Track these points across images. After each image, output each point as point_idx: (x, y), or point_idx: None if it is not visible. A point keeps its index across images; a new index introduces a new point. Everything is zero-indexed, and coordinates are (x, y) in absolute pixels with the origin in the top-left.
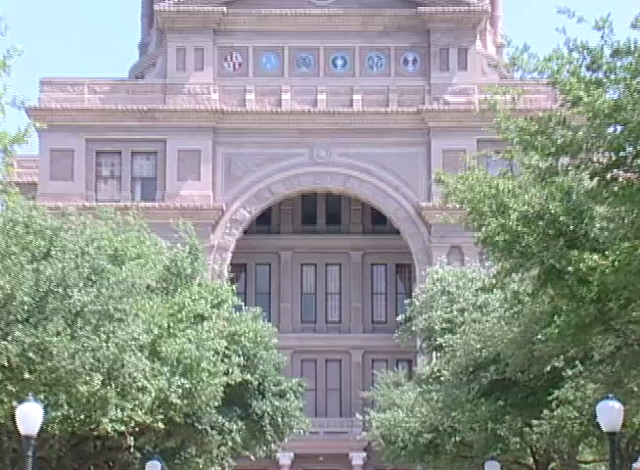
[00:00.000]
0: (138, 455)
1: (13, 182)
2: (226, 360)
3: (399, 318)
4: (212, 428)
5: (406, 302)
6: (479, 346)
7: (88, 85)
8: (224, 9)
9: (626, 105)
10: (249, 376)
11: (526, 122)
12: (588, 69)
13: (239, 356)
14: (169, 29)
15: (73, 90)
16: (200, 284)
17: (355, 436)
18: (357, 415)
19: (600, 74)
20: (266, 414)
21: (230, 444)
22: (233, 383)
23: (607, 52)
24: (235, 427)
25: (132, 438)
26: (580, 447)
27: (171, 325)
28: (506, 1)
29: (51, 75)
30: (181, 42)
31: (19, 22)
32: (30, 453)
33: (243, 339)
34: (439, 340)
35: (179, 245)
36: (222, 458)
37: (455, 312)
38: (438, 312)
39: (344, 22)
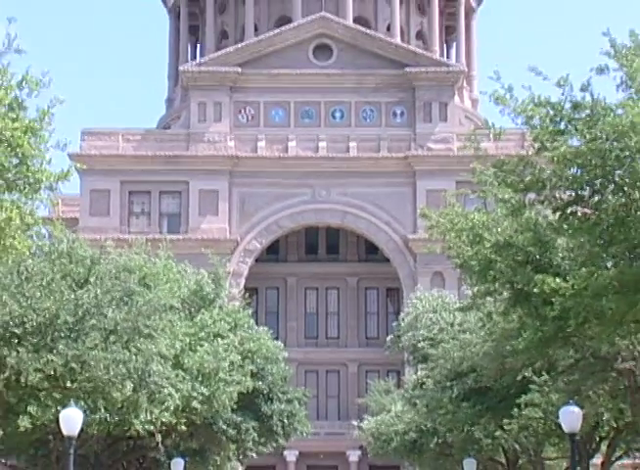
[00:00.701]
0: (164, 454)
1: (58, 217)
2: (240, 370)
3: (389, 336)
4: (228, 429)
5: (394, 324)
6: (457, 358)
7: (122, 135)
8: (239, 69)
9: (584, 151)
10: (260, 383)
11: (501, 163)
12: (551, 120)
13: (251, 368)
14: (192, 87)
15: (110, 139)
16: (220, 307)
17: (351, 436)
18: (353, 419)
19: (562, 125)
20: (274, 415)
21: (243, 440)
22: (246, 390)
23: (567, 106)
24: (247, 425)
25: (159, 438)
26: (545, 446)
27: (192, 342)
28: (480, 62)
29: (91, 126)
30: (202, 98)
31: (61, 76)
32: (72, 452)
33: (255, 355)
34: (427, 350)
35: (202, 271)
36: (238, 455)
37: (437, 330)
38: (422, 331)
39: (342, 80)
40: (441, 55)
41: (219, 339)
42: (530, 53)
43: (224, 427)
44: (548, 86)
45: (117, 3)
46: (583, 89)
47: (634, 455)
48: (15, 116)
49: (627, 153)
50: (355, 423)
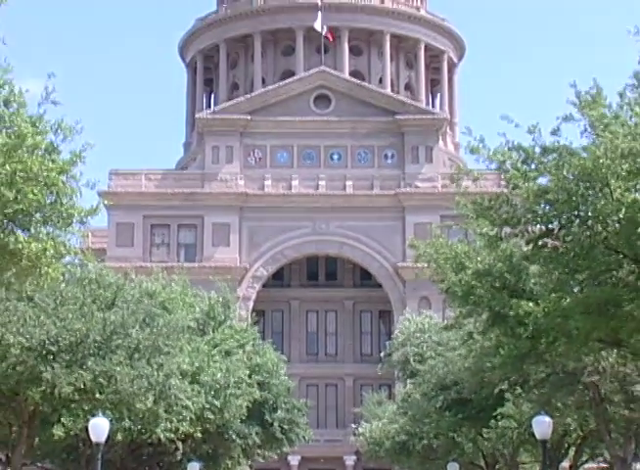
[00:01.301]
0: (182, 458)
1: (88, 248)
2: (248, 382)
3: (382, 354)
4: (237, 436)
5: (387, 342)
6: (442, 373)
7: (145, 174)
8: (248, 117)
9: (552, 190)
10: (266, 392)
11: (480, 200)
12: (523, 162)
13: (257, 378)
14: (206, 132)
15: (134, 178)
16: (230, 327)
17: (348, 442)
18: (350, 426)
19: (533, 166)
20: (277, 422)
21: (250, 444)
22: (253, 400)
23: (537, 149)
24: (254, 430)
25: (178, 444)
26: (520, 451)
27: (206, 359)
28: (462, 110)
29: (118, 166)
30: (215, 142)
31: (92, 120)
32: (100, 457)
33: (261, 369)
34: (415, 366)
35: (213, 292)
36: (247, 458)
37: (424, 348)
38: (411, 349)
39: (339, 126)
40: (427, 104)
41: (229, 355)
42: (506, 101)
43: (234, 435)
44: (520, 132)
45: (143, 58)
46: (552, 134)
47: (598, 460)
48: (50, 158)
49: (591, 191)
50: (351, 430)
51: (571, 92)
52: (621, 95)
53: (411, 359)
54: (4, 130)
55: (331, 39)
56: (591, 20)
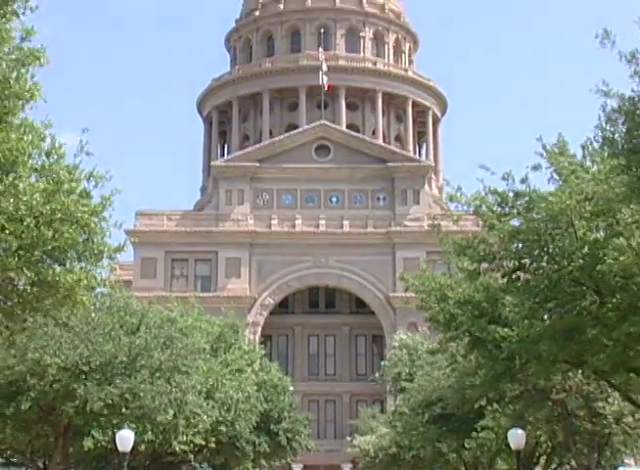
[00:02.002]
0: (197, 466)
1: (116, 280)
2: (255, 396)
3: (376, 373)
4: (247, 444)
5: (383, 363)
6: (428, 390)
7: (166, 215)
8: (257, 164)
9: (524, 230)
10: (272, 404)
11: (460, 240)
12: (498, 205)
13: (263, 393)
14: (221, 178)
15: (157, 218)
16: (239, 348)
17: (345, 452)
18: (347, 438)
19: (506, 209)
20: (282, 432)
21: (260, 451)
22: (260, 414)
23: (510, 194)
24: (260, 440)
25: (193, 455)
26: (497, 460)
27: (219, 378)
28: (445, 158)
29: (143, 208)
30: (228, 186)
31: (120, 167)
32: (125, 465)
33: (268, 386)
34: (404, 384)
35: (221, 317)
36: (255, 466)
37: (412, 368)
38: (401, 368)
39: (337, 173)
40: (414, 153)
41: (239, 373)
42: (483, 149)
43: (244, 443)
44: (495, 179)
45: (166, 113)
46: (523, 181)
47: (565, 467)
48: (84, 202)
49: (557, 231)
50: (348, 441)
51: (538, 145)
52: (584, 147)
53: (403, 376)
54: (45, 177)
55: (328, 89)
56: (560, 78)
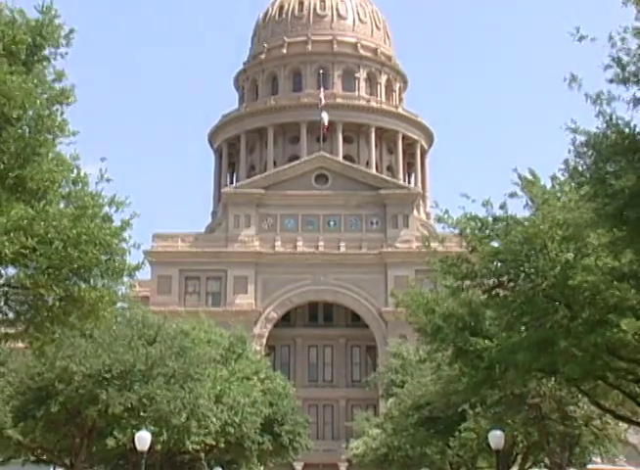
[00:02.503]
0: (208, 465)
1: (135, 296)
2: (261, 401)
3: (370, 377)
4: (253, 444)
5: (379, 370)
6: (417, 395)
7: (180, 237)
8: (262, 191)
9: (502, 251)
10: (275, 408)
11: (445, 259)
12: (479, 229)
13: (269, 399)
14: (229, 203)
15: (172, 240)
16: (247, 358)
17: (342, 452)
18: (343, 440)
19: (486, 232)
20: (284, 434)
21: (264, 450)
22: (265, 417)
23: (490, 219)
24: (265, 440)
25: (204, 453)
26: (478, 459)
27: (227, 384)
28: (431, 186)
29: (159, 230)
30: (236, 211)
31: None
32: (143, 462)
33: (271, 392)
34: (395, 390)
35: (233, 330)
36: (260, 464)
37: (407, 377)
38: (396, 375)
39: (335, 199)
40: (404, 181)
41: (246, 380)
42: (466, 178)
43: (250, 443)
44: (477, 205)
45: (181, 145)
46: (501, 207)
47: (540, 465)
48: (106, 225)
49: (532, 252)
50: (344, 442)
51: (514, 175)
52: (553, 178)
53: (397, 382)
54: (72, 204)
55: (327, 130)
56: (535, 115)
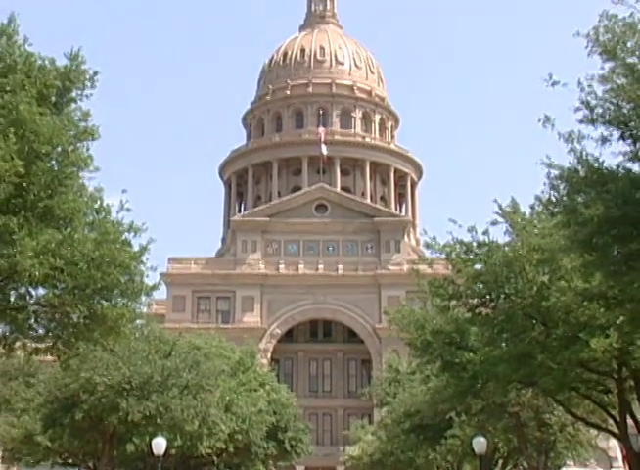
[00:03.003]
0: (218, 468)
1: (152, 314)
2: (266, 410)
3: (364, 390)
4: (259, 448)
5: (373, 382)
6: (408, 404)
7: (193, 261)
8: (268, 219)
9: (485, 273)
10: (279, 416)
11: (433, 281)
12: (464, 253)
13: (273, 408)
14: (238, 230)
15: (185, 263)
16: (254, 371)
17: (339, 456)
18: (340, 445)
19: (471, 256)
20: (287, 440)
21: (269, 454)
22: (270, 425)
23: (474, 244)
24: (271, 445)
25: (215, 457)
26: (463, 463)
27: (236, 395)
28: (421, 214)
29: (174, 254)
30: (244, 237)
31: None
32: (159, 466)
33: (277, 402)
34: (388, 399)
35: (242, 345)
36: (265, 468)
37: (399, 387)
38: (386, 386)
39: (333, 227)
40: (396, 210)
41: (254, 391)
42: (452, 207)
43: (256, 448)
44: (462, 231)
45: (194, 178)
46: (484, 233)
47: (518, 469)
48: (126, 249)
49: (512, 275)
50: (342, 447)
51: (495, 205)
52: (532, 207)
53: (390, 393)
54: (95, 230)
55: (325, 161)
56: (513, 150)
